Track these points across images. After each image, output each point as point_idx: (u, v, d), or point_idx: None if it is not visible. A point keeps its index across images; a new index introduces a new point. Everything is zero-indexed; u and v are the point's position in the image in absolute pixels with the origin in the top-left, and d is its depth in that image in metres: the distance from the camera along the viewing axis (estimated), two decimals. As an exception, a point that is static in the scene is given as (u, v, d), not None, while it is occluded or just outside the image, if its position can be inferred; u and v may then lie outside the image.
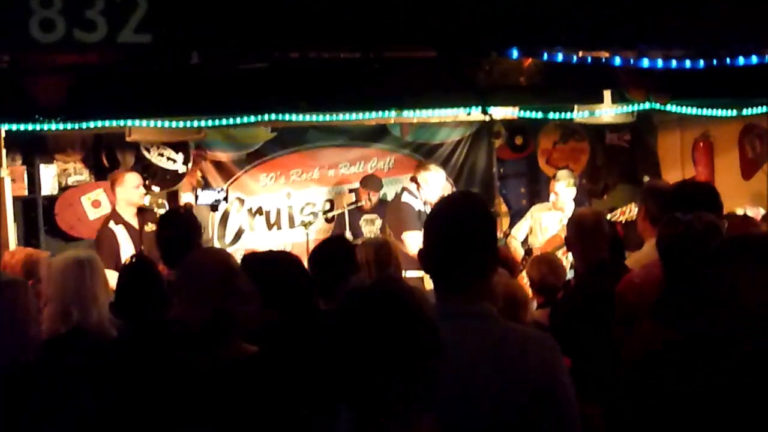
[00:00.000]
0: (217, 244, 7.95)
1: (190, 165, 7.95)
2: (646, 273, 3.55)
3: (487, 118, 7.37)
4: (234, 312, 2.82)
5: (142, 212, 6.61)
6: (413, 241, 6.48)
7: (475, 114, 7.31)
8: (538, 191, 9.04)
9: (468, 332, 2.14)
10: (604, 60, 5.87)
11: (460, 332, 2.09)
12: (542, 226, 7.37)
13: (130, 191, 6.59)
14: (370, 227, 7.77)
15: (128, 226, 6.49)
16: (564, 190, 7.21)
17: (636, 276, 3.70)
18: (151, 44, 4.96)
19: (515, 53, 5.61)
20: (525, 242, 7.52)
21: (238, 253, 7.77)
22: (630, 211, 6.53)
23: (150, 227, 6.31)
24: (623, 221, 6.48)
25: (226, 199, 7.01)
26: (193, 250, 4.12)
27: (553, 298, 4.93)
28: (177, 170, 7.91)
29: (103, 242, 6.40)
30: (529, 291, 5.19)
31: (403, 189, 7.43)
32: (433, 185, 7.14)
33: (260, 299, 2.92)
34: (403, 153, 8.76)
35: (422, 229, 2.34)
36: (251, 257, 3.38)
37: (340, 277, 3.79)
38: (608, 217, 6.56)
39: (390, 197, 8.17)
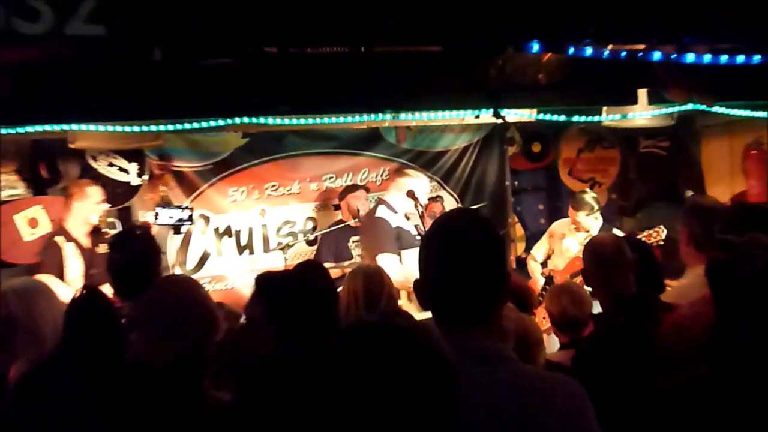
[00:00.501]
0: (177, 272, 7.98)
1: (145, 177, 7.97)
2: (693, 312, 3.62)
3: (500, 122, 7.37)
4: (205, 350, 2.91)
5: (97, 231, 6.66)
6: (388, 265, 6.39)
7: (485, 117, 7.34)
8: (559, 208, 9.07)
9: (482, 375, 2.17)
10: (640, 54, 5.89)
11: (472, 376, 2.11)
12: (564, 247, 7.45)
13: (92, 207, 6.66)
14: (360, 250, 7.69)
15: (79, 245, 6.55)
16: (585, 219, 7.27)
17: (683, 316, 3.77)
18: (105, 37, 4.95)
19: (536, 47, 5.61)
20: (545, 264, 7.59)
21: (202, 281, 7.84)
22: (658, 235, 6.54)
23: (103, 248, 6.37)
24: (653, 244, 6.49)
25: (190, 218, 6.96)
26: (155, 278, 4.24)
27: (577, 334, 4.99)
28: (130, 182, 7.94)
29: (47, 254, 6.50)
30: (546, 327, 5.26)
31: (379, 201, 7.35)
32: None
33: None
34: (400, 162, 8.77)
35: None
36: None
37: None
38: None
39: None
